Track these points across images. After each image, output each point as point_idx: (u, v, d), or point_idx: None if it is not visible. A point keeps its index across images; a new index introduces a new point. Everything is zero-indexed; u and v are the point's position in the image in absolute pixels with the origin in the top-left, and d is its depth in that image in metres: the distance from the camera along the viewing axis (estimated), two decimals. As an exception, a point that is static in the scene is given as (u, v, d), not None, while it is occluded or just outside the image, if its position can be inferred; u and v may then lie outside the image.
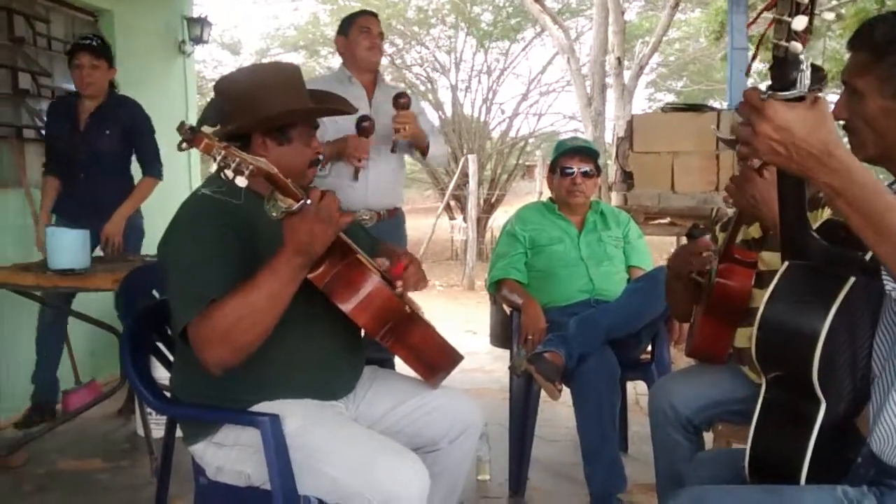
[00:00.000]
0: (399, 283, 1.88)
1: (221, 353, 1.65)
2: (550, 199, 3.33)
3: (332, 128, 3.07)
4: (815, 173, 1.12)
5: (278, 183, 1.57)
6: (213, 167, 1.51)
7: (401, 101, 3.16)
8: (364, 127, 3.06)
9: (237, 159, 1.50)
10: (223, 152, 1.50)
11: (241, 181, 1.50)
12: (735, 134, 1.18)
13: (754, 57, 1.57)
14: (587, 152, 3.19)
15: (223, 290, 1.65)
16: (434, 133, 3.44)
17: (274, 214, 1.57)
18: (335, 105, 2.13)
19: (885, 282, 1.17)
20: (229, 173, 1.50)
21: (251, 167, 1.51)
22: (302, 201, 1.58)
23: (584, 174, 3.16)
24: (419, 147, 3.33)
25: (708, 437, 2.35)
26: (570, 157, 3.17)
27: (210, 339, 1.64)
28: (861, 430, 1.50)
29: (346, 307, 1.76)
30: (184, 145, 1.53)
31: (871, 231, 1.12)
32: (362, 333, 2.03)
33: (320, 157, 2.02)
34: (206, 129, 1.69)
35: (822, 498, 1.34)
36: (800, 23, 1.08)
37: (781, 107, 1.11)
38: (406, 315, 1.85)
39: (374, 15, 3.41)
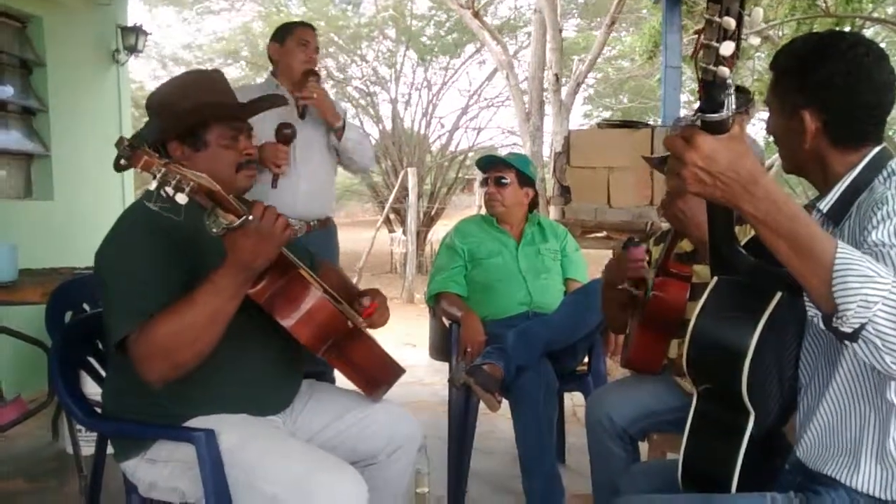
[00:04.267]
0: (363, 322, 1.91)
1: (162, 368, 1.62)
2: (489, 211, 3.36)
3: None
4: (740, 201, 1.16)
5: (219, 199, 1.54)
6: (153, 185, 1.46)
7: (310, 79, 3.10)
8: (284, 134, 2.93)
9: (178, 176, 1.46)
10: (163, 169, 1.46)
11: (182, 198, 1.47)
12: (664, 166, 1.21)
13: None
14: (498, 161, 3.26)
15: (162, 303, 1.63)
16: (355, 129, 3.36)
17: (214, 231, 1.54)
18: (257, 105, 1.99)
19: (807, 307, 1.21)
20: (169, 190, 1.46)
21: (192, 184, 1.47)
22: (244, 217, 1.55)
23: (498, 182, 3.21)
24: (331, 124, 3.20)
25: (643, 447, 2.39)
26: (487, 167, 3.27)
27: (150, 354, 1.61)
28: (788, 438, 1.55)
29: (287, 323, 1.73)
30: (122, 162, 1.49)
31: (793, 258, 1.15)
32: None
33: (252, 158, 1.92)
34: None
35: (752, 505, 1.38)
36: (727, 48, 1.11)
37: (708, 137, 1.14)
38: (348, 330, 1.84)
39: (313, 28, 3.35)
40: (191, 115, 1.82)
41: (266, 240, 1.58)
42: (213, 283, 1.60)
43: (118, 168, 1.53)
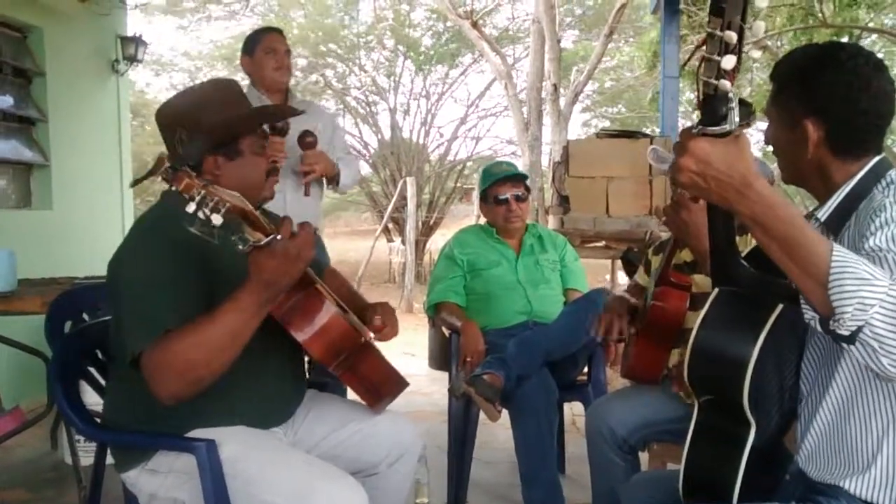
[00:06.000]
0: (371, 335, 1.93)
1: (177, 386, 1.60)
2: (488, 222, 3.36)
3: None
4: (735, 204, 1.17)
5: (251, 218, 1.52)
6: (191, 207, 1.43)
7: (307, 141, 3.07)
8: (308, 142, 2.99)
9: (216, 198, 1.44)
10: (203, 192, 1.44)
11: (217, 219, 1.44)
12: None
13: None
14: (516, 177, 3.23)
15: (180, 318, 1.60)
16: (345, 156, 3.42)
17: (241, 248, 1.50)
18: (278, 111, 2.08)
19: (804, 310, 1.21)
20: (206, 212, 1.43)
21: (227, 204, 1.45)
22: (272, 237, 1.52)
23: (518, 199, 3.20)
24: (330, 180, 3.29)
25: (644, 457, 2.39)
26: (501, 184, 3.20)
27: (166, 372, 1.59)
28: (788, 447, 1.55)
29: (302, 338, 1.73)
30: (163, 178, 1.49)
31: (789, 262, 1.16)
32: (306, 360, 2.01)
33: (277, 164, 1.96)
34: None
35: (753, 516, 1.38)
36: (729, 62, 1.12)
37: (703, 141, 1.16)
38: (360, 345, 1.84)
39: (280, 32, 3.35)
40: (226, 126, 1.82)
41: (292, 260, 1.55)
42: (236, 300, 1.57)
43: (135, 183, 1.53)
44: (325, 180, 3.33)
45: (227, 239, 1.51)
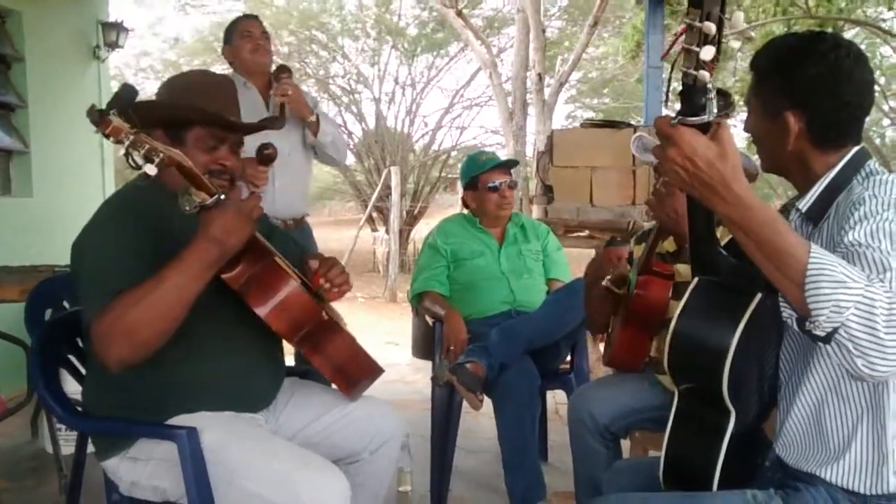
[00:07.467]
0: (322, 281, 1.89)
1: (121, 348, 1.59)
2: (472, 211, 3.35)
3: None
4: (714, 203, 1.19)
5: (192, 175, 1.54)
6: (121, 151, 1.46)
7: (282, 76, 3.12)
8: (266, 154, 2.85)
9: (146, 146, 1.46)
10: (132, 137, 1.46)
11: (151, 169, 1.46)
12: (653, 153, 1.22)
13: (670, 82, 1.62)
14: (507, 164, 3.28)
15: (130, 284, 1.60)
16: (329, 121, 3.40)
17: (186, 208, 1.54)
18: (248, 124, 1.96)
19: (782, 308, 1.22)
20: (138, 159, 1.45)
21: (162, 155, 1.47)
22: (216, 196, 1.55)
23: (509, 185, 3.23)
24: (305, 120, 3.23)
25: (625, 444, 2.40)
26: (492, 171, 3.21)
27: (111, 332, 1.58)
28: (768, 435, 1.56)
29: (261, 310, 1.73)
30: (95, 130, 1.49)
31: (766, 262, 1.17)
32: (284, 344, 2.00)
33: (225, 170, 1.85)
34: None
35: (733, 502, 1.39)
36: (707, 53, 1.13)
37: (689, 135, 1.16)
38: (323, 322, 1.83)
39: (255, 18, 3.38)
40: (175, 111, 1.82)
41: (239, 218, 1.58)
42: (181, 259, 1.58)
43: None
44: (310, 135, 3.28)
45: (173, 210, 1.53)
